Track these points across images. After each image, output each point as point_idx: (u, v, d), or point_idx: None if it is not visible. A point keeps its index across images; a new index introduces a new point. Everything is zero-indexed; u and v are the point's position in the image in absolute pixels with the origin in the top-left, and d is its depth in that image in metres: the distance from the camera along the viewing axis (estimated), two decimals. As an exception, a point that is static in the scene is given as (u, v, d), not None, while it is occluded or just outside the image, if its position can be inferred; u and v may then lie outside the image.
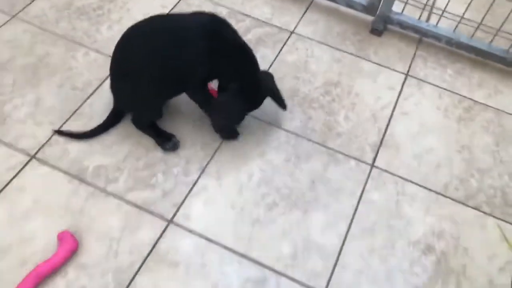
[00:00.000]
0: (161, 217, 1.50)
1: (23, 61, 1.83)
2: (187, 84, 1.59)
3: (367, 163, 1.71)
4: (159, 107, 1.63)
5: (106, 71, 1.83)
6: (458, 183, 1.69)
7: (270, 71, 1.92)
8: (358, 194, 1.63)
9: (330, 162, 1.69)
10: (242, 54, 1.57)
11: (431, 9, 2.23)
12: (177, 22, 1.54)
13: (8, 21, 1.95)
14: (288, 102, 1.84)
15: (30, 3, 2.02)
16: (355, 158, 1.71)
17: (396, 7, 2.10)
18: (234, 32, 1.56)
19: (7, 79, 1.77)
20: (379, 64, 2.03)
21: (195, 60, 1.50)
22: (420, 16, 2.14)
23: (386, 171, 1.69)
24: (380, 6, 2.10)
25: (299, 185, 1.63)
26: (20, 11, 1.99)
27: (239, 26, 2.07)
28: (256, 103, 1.64)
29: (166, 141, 1.64)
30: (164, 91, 1.58)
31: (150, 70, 1.49)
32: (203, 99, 1.66)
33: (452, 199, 1.65)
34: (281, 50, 2.02)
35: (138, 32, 1.53)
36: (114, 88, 1.61)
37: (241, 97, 1.56)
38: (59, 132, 1.63)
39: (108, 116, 1.66)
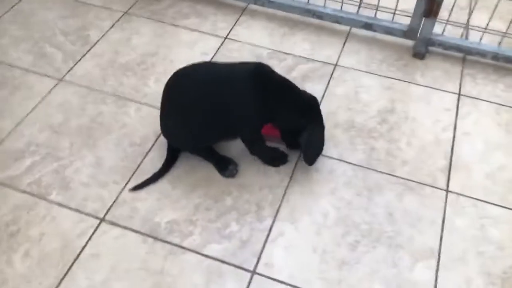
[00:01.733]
0: (244, 268, 1.44)
1: (76, 123, 1.81)
2: (240, 128, 1.58)
3: (441, 189, 1.65)
4: (209, 146, 1.67)
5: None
6: (538, 199, 1.63)
7: (322, 105, 1.90)
8: (440, 222, 1.56)
9: (403, 192, 1.64)
10: (291, 92, 1.58)
11: (467, 25, 2.22)
12: (225, 67, 1.58)
13: (56, 85, 1.95)
14: (346, 134, 1.80)
15: (75, 65, 2.03)
16: (428, 185, 1.66)
17: (436, 28, 2.09)
18: (280, 75, 1.59)
19: (64, 143, 1.75)
20: (429, 87, 2.00)
21: (245, 102, 1.51)
22: (462, 35, 2.12)
23: (462, 194, 1.63)
24: (420, 29, 2.09)
25: (377, 219, 1.57)
26: (66, 74, 1.99)
27: (282, 65, 2.06)
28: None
29: (224, 168, 1.65)
30: (214, 133, 1.59)
31: (199, 111, 1.52)
32: (256, 143, 1.64)
33: (538, 217, 1.58)
34: (328, 83, 2.00)
35: (188, 74, 1.57)
36: (164, 127, 1.64)
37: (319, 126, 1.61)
38: (135, 189, 1.60)
39: (166, 156, 1.67)
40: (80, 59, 2.05)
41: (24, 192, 1.60)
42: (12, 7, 2.30)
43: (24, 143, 1.74)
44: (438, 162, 1.73)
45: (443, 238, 1.52)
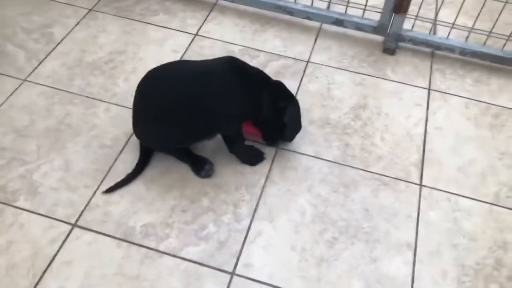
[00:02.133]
0: (223, 270, 1.42)
1: (43, 125, 1.74)
2: (222, 126, 1.55)
3: (415, 183, 1.67)
4: (188, 145, 1.64)
5: (131, 124, 1.76)
6: (507, 190, 1.67)
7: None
8: (415, 216, 1.58)
9: (379, 188, 1.65)
10: (265, 80, 1.61)
11: (435, 21, 2.25)
12: (199, 65, 1.56)
13: (19, 85, 1.87)
14: (321, 131, 1.80)
15: (39, 65, 1.95)
16: (402, 180, 1.68)
17: (405, 24, 2.12)
18: (250, 65, 1.62)
19: (30, 146, 1.67)
20: (400, 82, 2.02)
21: (228, 99, 1.50)
22: (431, 30, 2.15)
23: (435, 188, 1.66)
24: (390, 25, 2.11)
25: (354, 215, 1.57)
26: (30, 74, 1.91)
27: (254, 62, 2.04)
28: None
29: (200, 168, 1.62)
30: (193, 133, 1.56)
31: (178, 111, 1.48)
32: (237, 141, 1.62)
33: (508, 208, 1.62)
34: (301, 80, 1.99)
35: (162, 74, 1.53)
36: (139, 129, 1.59)
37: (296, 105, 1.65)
38: (108, 191, 1.55)
39: (139, 157, 1.63)
40: (45, 58, 1.97)
41: (-11, 199, 1.53)
42: (-31, 4, 2.19)
43: (-13, 147, 1.66)
44: (411, 157, 1.75)
45: (419, 232, 1.54)
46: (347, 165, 1.71)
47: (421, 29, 2.17)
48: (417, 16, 2.14)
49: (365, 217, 1.57)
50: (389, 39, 2.13)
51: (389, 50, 2.14)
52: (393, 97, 1.96)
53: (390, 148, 1.77)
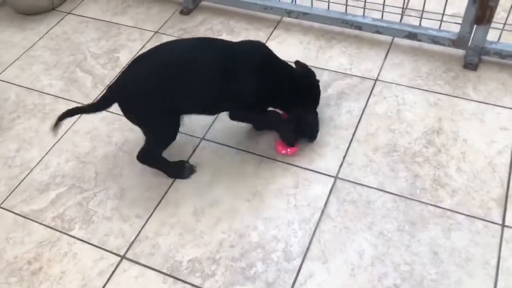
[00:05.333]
0: (268, 314, 1.33)
1: (103, 151, 1.77)
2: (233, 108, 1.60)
3: (496, 223, 1.45)
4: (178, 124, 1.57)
5: (186, 150, 1.73)
6: None
7: (360, 126, 1.74)
8: (494, 263, 1.37)
9: (451, 227, 1.45)
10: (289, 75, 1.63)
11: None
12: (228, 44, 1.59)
13: (84, 111, 1.92)
14: (387, 159, 1.64)
15: (104, 90, 1.99)
16: (480, 218, 1.46)
17: (490, 35, 1.87)
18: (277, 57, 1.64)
19: (90, 172, 1.71)
20: (482, 102, 1.79)
21: (249, 89, 1.53)
22: (521, 41, 1.89)
23: (521, 230, 1.43)
24: (471, 38, 1.87)
25: (419, 259, 1.40)
26: (94, 99, 1.96)
27: (317, 81, 1.91)
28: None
29: (181, 169, 1.63)
30: (197, 106, 1.56)
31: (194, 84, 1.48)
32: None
33: None
34: (367, 101, 1.84)
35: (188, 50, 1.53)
36: (136, 86, 1.48)
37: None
38: (61, 118, 1.53)
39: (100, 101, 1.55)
40: (109, 83, 2.02)
41: (47, 227, 1.57)
42: (47, 32, 2.31)
43: (50, 174, 1.72)
44: (493, 191, 1.52)
45: (498, 283, 1.33)
46: (415, 200, 1.53)
47: (510, 41, 1.90)
48: (504, 25, 1.88)
49: (433, 261, 1.39)
50: (471, 53, 1.90)
51: (471, 65, 1.91)
52: (473, 119, 1.73)
53: (467, 180, 1.56)
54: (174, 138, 1.58)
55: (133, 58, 1.61)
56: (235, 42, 1.60)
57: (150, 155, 1.60)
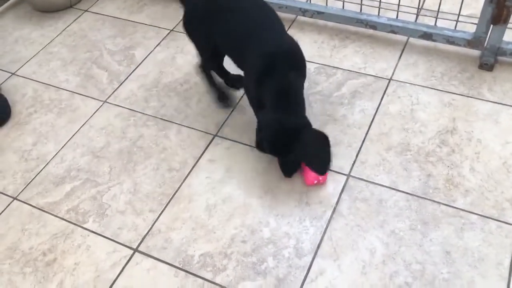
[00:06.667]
0: (279, 310, 1.33)
1: (118, 146, 1.79)
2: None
3: (510, 224, 1.44)
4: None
5: (199, 147, 1.75)
6: None
7: (373, 125, 1.74)
8: (507, 264, 1.36)
9: (464, 227, 1.44)
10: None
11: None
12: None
13: (100, 107, 1.95)
14: (400, 158, 1.63)
15: (119, 86, 2.02)
16: (493, 219, 1.45)
17: (507, 35, 1.85)
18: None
19: (104, 167, 1.73)
20: (498, 102, 1.77)
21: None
22: (538, 42, 1.87)
23: (536, 231, 1.41)
24: (488, 38, 1.86)
25: (431, 258, 1.39)
26: (110, 95, 1.99)
27: (330, 81, 1.92)
28: None
29: (221, 99, 1.84)
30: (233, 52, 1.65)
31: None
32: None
33: None
34: (381, 101, 1.83)
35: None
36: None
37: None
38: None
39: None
40: (125, 80, 2.04)
41: (62, 219, 1.60)
42: (64, 29, 2.35)
43: (65, 168, 1.74)
44: (507, 191, 1.51)
45: (511, 284, 1.32)
46: (428, 199, 1.52)
47: (526, 41, 1.88)
48: (521, 26, 1.86)
49: (445, 261, 1.38)
50: (487, 53, 1.88)
51: (487, 65, 1.89)
52: (488, 120, 1.72)
53: (480, 180, 1.55)
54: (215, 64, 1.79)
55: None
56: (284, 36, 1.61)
57: (201, 69, 1.83)
